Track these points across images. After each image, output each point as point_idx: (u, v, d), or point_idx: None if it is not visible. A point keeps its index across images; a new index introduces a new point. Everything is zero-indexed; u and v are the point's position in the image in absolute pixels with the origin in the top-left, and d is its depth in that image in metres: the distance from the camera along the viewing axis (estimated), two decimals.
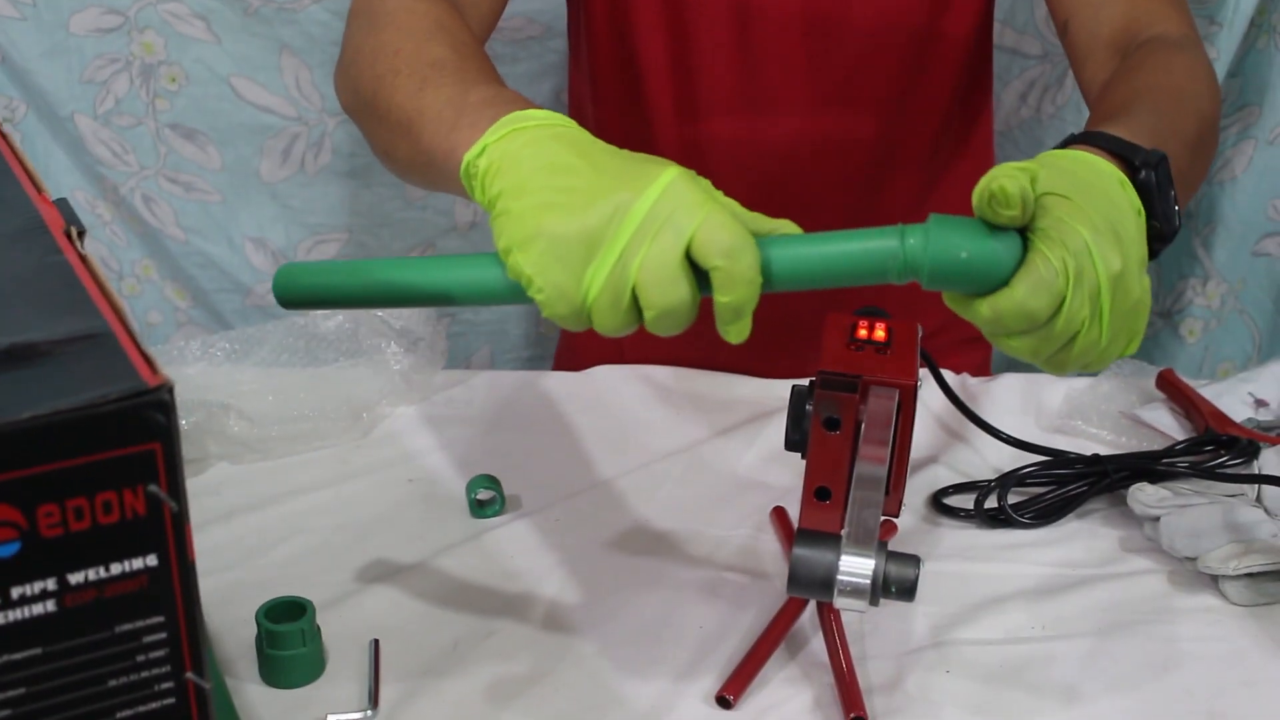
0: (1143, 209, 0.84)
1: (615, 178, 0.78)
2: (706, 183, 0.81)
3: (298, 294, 0.90)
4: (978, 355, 1.54)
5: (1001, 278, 0.78)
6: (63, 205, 0.72)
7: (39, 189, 0.73)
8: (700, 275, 0.79)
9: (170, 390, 0.57)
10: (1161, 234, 0.87)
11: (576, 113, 1.47)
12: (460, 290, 0.86)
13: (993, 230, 0.78)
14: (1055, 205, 0.79)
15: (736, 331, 0.79)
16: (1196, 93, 1.07)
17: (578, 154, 0.81)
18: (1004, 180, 0.76)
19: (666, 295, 0.77)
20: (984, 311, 0.78)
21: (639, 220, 0.77)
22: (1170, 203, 0.87)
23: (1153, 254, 0.86)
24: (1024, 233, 0.79)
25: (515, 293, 0.82)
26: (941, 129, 1.39)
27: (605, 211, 0.77)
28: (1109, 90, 1.09)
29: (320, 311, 1.31)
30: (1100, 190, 0.82)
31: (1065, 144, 0.90)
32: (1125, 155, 0.87)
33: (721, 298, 0.78)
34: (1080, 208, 0.79)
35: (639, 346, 1.44)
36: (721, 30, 1.32)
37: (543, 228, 0.78)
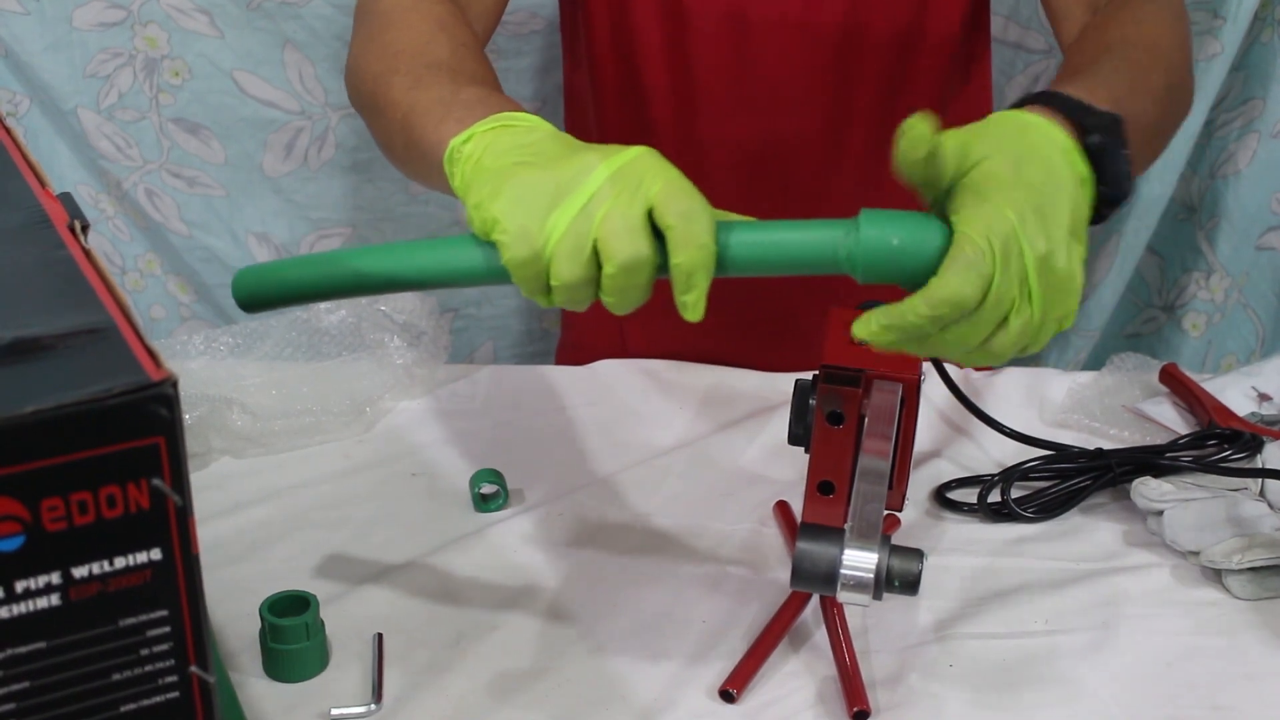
0: (1089, 175, 0.83)
1: (588, 150, 0.81)
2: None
3: (260, 296, 0.89)
4: None
5: (929, 263, 0.78)
6: (66, 199, 0.72)
7: (42, 183, 0.73)
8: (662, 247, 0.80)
9: (174, 384, 0.57)
10: (1110, 199, 0.85)
11: (574, 107, 1.47)
12: (429, 270, 0.85)
13: (920, 219, 0.79)
14: (983, 182, 0.78)
15: (693, 304, 0.79)
16: (1166, 44, 1.07)
17: (555, 140, 0.84)
18: (918, 124, 0.76)
19: (625, 249, 0.78)
20: (919, 307, 0.76)
21: (606, 176, 0.79)
22: (1121, 166, 0.85)
23: (1101, 218, 0.86)
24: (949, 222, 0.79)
25: (486, 266, 0.83)
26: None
27: (575, 167, 0.80)
28: (1079, 44, 1.09)
29: (323, 305, 1.31)
30: (1040, 158, 0.81)
31: (1020, 104, 0.89)
32: (1077, 117, 0.85)
33: (675, 258, 0.78)
34: (1008, 184, 0.78)
35: (642, 340, 1.44)
36: (717, 28, 1.32)
37: (513, 177, 0.81)
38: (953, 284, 0.76)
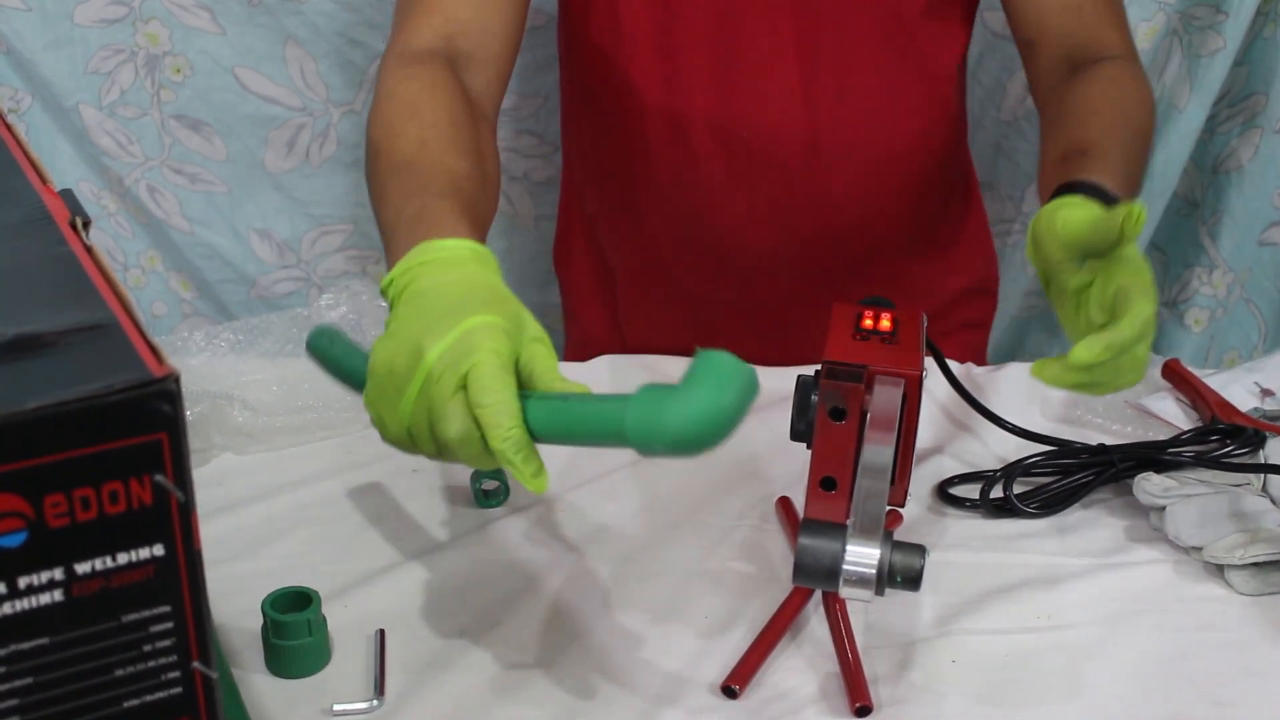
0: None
1: (435, 321, 0.85)
2: (524, 327, 0.87)
3: (320, 356, 1.01)
4: (976, 340, 1.54)
5: (692, 438, 0.78)
6: (68, 196, 0.73)
7: (44, 180, 0.74)
8: None
9: (176, 380, 0.57)
10: None
11: (568, 101, 1.48)
12: None
13: (688, 391, 0.79)
14: (1132, 281, 1.03)
15: (530, 479, 0.82)
16: (1144, 121, 1.26)
17: (433, 295, 0.88)
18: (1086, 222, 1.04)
19: (442, 430, 0.82)
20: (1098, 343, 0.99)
21: (430, 364, 0.83)
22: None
23: None
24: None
25: None
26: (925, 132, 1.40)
27: (409, 355, 0.84)
28: (1079, 120, 1.23)
29: (323, 300, 1.32)
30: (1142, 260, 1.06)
31: (1066, 189, 1.09)
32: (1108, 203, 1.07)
33: (490, 445, 0.81)
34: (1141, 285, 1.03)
35: (641, 335, 1.45)
36: (705, 21, 1.33)
37: (373, 366, 0.87)
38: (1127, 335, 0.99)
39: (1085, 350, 0.98)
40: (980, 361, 1.55)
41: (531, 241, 1.80)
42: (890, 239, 1.42)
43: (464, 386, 0.82)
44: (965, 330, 1.53)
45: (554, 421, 0.82)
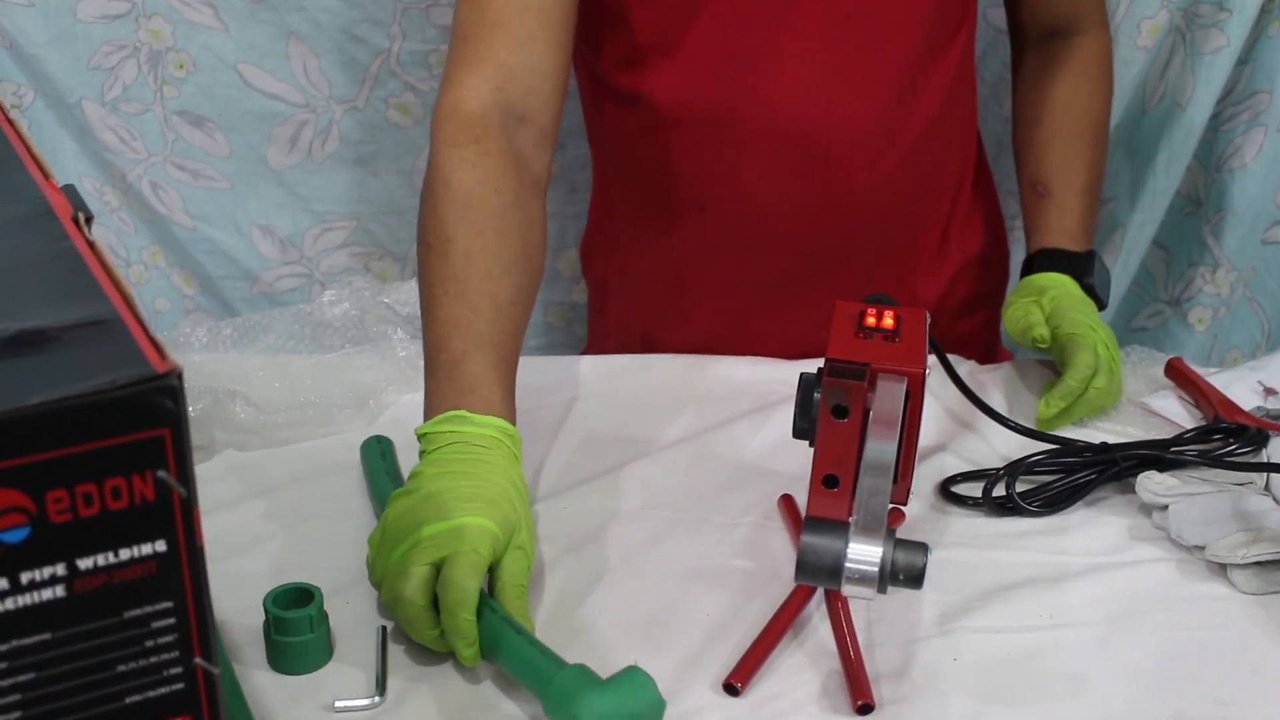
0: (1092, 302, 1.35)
1: (442, 505, 0.97)
2: (514, 534, 0.99)
3: (367, 463, 1.15)
4: (994, 318, 1.56)
5: None
6: (70, 191, 0.72)
7: (46, 175, 0.73)
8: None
9: (179, 376, 0.57)
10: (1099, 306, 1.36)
11: (590, 99, 1.48)
12: None
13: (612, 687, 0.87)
14: (1074, 323, 1.28)
15: (464, 653, 0.92)
16: (1105, 119, 1.49)
17: (452, 476, 1.00)
18: (1038, 330, 1.29)
19: (399, 584, 0.94)
20: (1056, 400, 1.23)
21: (421, 537, 0.96)
22: (1105, 285, 1.39)
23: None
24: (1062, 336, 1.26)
25: None
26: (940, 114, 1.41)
27: (412, 524, 0.97)
28: (1043, 144, 1.47)
29: (326, 296, 1.32)
30: (1089, 309, 1.33)
31: (1036, 260, 1.40)
32: (1078, 274, 1.37)
33: (444, 621, 0.93)
34: (1090, 319, 1.30)
35: (663, 333, 1.45)
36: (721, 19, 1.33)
37: (386, 515, 1.01)
38: (1082, 373, 1.22)
39: (1045, 408, 1.22)
40: (997, 340, 1.55)
41: None
42: (912, 216, 1.44)
43: (438, 567, 0.94)
44: (982, 307, 1.54)
45: (496, 648, 0.91)
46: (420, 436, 1.05)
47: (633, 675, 0.87)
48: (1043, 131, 1.46)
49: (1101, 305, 1.36)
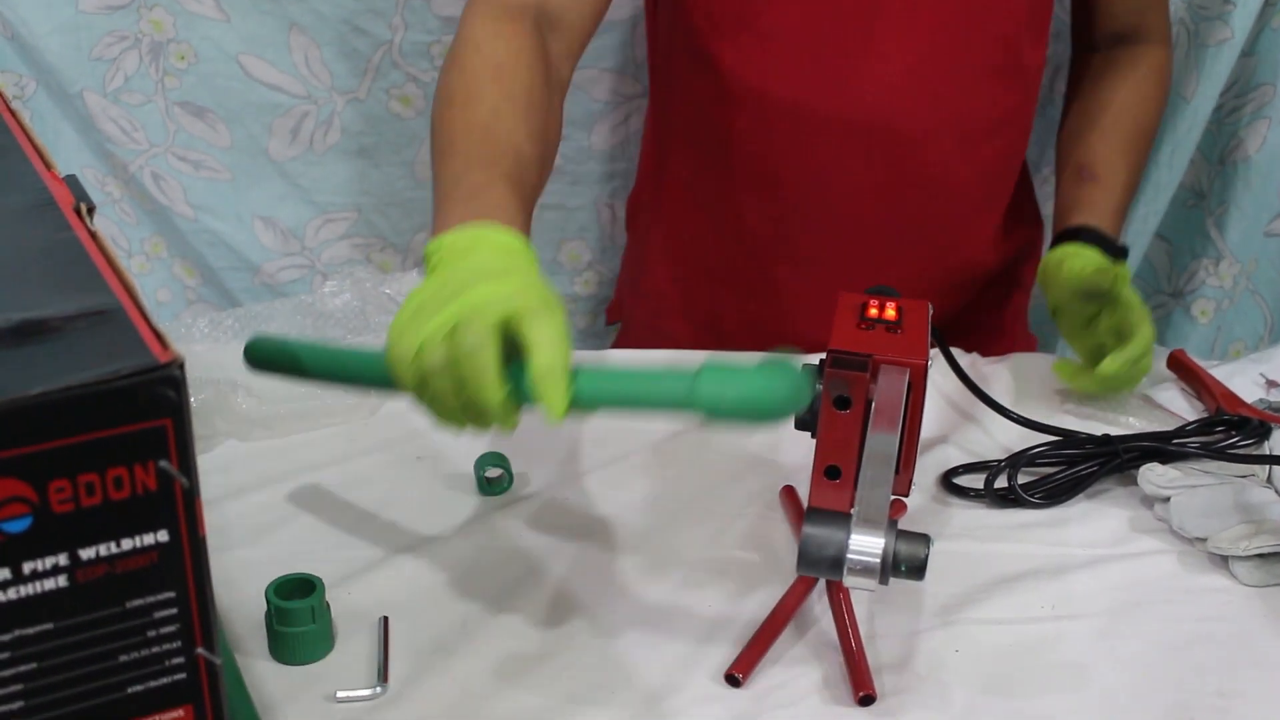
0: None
1: (485, 273, 0.88)
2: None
3: (264, 364, 1.00)
4: (1023, 303, 1.59)
5: (768, 411, 0.84)
6: (72, 182, 0.73)
7: (48, 166, 0.74)
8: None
9: (181, 366, 0.57)
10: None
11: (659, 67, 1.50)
12: (371, 378, 0.93)
13: (763, 372, 0.84)
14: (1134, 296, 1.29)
15: (553, 408, 0.83)
16: (1154, 116, 1.50)
17: (483, 257, 0.91)
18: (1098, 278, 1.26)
19: (460, 341, 0.83)
20: (1120, 362, 1.23)
21: (477, 298, 0.85)
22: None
23: None
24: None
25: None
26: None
27: (458, 284, 0.87)
28: (1097, 133, 1.45)
29: (327, 287, 1.32)
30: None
31: (1066, 235, 1.36)
32: (1108, 249, 1.34)
33: (537, 359, 0.83)
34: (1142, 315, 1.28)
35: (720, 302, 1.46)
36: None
37: (414, 293, 0.88)
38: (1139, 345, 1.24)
39: (1111, 364, 1.22)
40: (1025, 326, 1.56)
41: (535, 231, 1.79)
42: (985, 198, 1.46)
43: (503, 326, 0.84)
44: (1017, 294, 1.56)
45: (613, 386, 0.85)
46: (430, 254, 0.94)
47: (778, 358, 0.86)
48: (1098, 130, 1.46)
49: None
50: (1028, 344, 1.60)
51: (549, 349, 0.83)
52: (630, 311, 1.63)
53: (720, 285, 1.50)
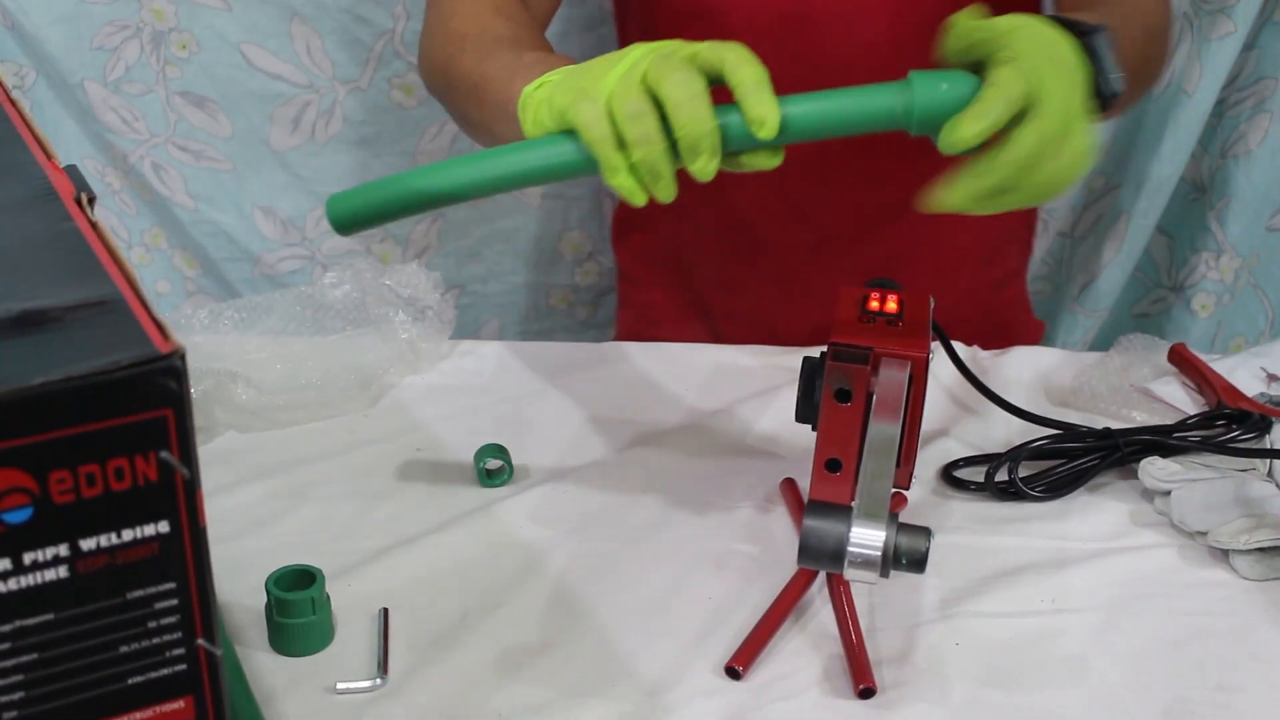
0: (1087, 64, 0.93)
1: (619, 53, 0.92)
2: None
3: (355, 218, 0.96)
4: (1017, 286, 1.56)
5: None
6: (73, 172, 0.72)
7: (49, 156, 0.73)
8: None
9: (182, 357, 0.57)
10: (1101, 92, 0.94)
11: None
12: (513, 172, 0.91)
13: (958, 73, 0.89)
14: (1010, 31, 0.90)
15: (766, 112, 0.85)
16: (1145, 8, 1.22)
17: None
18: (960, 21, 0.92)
19: (673, 72, 0.85)
20: (968, 122, 0.87)
21: (644, 49, 0.90)
22: (1110, 64, 0.94)
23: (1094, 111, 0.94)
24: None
25: (565, 153, 0.90)
26: None
27: (617, 53, 0.92)
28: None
29: (327, 279, 1.31)
30: (1053, 39, 0.92)
31: None
32: (1069, 26, 0.95)
33: (736, 76, 0.86)
34: (1038, 42, 0.91)
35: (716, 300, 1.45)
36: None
37: (573, 76, 0.93)
38: (1004, 81, 0.87)
39: (950, 131, 0.89)
40: (1028, 315, 1.55)
41: (536, 221, 1.79)
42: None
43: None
44: (1013, 280, 1.54)
45: (821, 102, 0.88)
46: (529, 94, 0.96)
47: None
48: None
49: (1103, 92, 0.95)
50: (1034, 333, 1.58)
51: (748, 66, 0.85)
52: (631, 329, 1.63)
53: (710, 282, 1.50)
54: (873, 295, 1.01)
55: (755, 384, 1.26)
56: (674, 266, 1.54)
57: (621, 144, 0.87)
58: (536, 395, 1.25)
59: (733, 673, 0.92)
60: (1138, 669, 0.93)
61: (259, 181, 1.71)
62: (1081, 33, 0.94)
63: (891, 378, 0.94)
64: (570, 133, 0.89)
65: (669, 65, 0.86)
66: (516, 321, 1.84)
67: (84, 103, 1.65)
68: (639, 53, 0.91)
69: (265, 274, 1.75)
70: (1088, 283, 1.77)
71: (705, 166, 0.86)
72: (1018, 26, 0.91)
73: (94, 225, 0.66)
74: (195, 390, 1.16)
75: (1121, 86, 0.95)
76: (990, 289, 1.51)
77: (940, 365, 1.19)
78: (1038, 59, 0.89)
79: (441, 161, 0.93)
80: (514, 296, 1.82)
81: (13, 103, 0.80)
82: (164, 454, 0.58)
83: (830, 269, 1.43)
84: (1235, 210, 1.69)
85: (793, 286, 1.46)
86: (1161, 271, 1.80)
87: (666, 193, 0.88)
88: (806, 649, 0.95)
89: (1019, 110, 0.87)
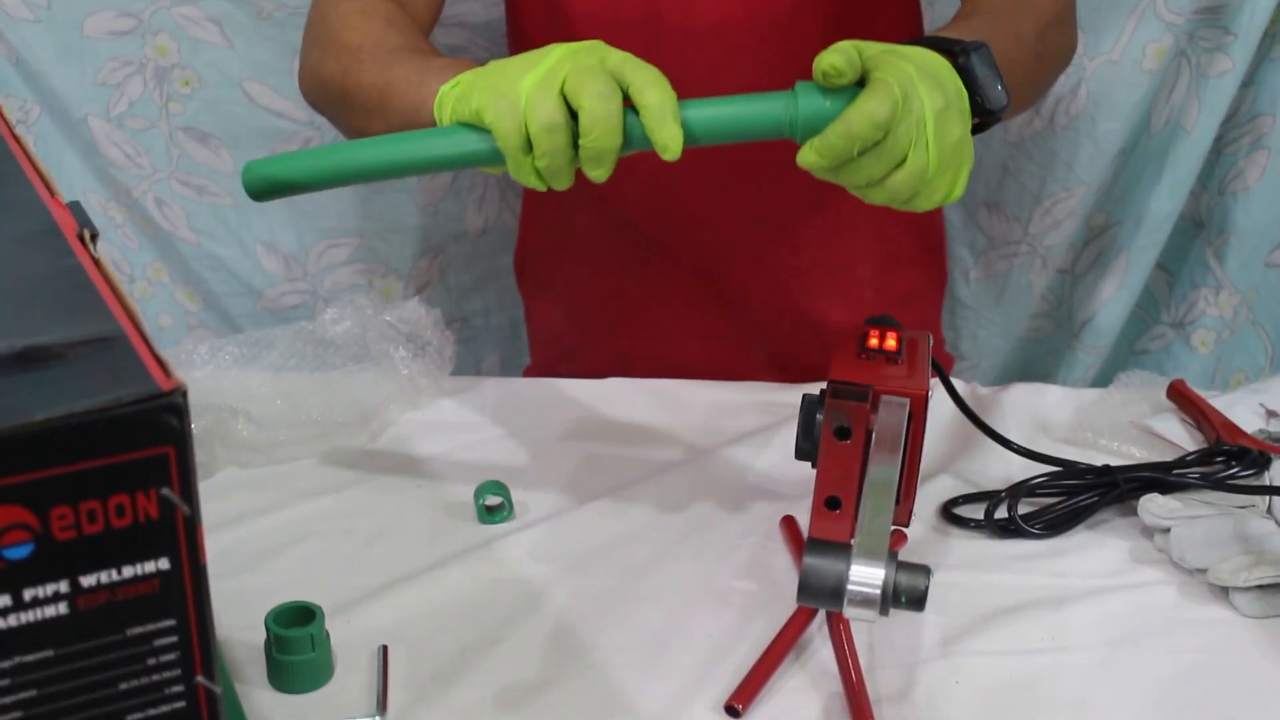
0: (964, 88, 0.96)
1: (536, 55, 0.93)
2: None
3: (270, 185, 1.00)
4: (924, 279, 1.53)
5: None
6: (75, 208, 0.72)
7: (52, 192, 0.73)
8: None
9: (184, 394, 0.57)
10: (985, 109, 0.97)
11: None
12: (424, 157, 0.96)
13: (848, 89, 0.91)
14: (886, 54, 0.93)
15: (671, 140, 0.89)
16: (1035, 4, 1.20)
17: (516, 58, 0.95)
18: (832, 57, 0.90)
19: (591, 83, 0.88)
20: (838, 129, 0.89)
21: (565, 50, 0.92)
22: (991, 81, 0.98)
23: (981, 127, 0.98)
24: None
25: (474, 146, 0.94)
26: None
27: (537, 53, 0.93)
28: (960, 10, 1.23)
29: (328, 314, 1.31)
30: (929, 59, 0.95)
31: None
32: (944, 47, 0.98)
33: (645, 98, 0.89)
34: (907, 56, 0.93)
35: (646, 357, 1.44)
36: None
37: (490, 74, 0.94)
38: (867, 106, 0.88)
39: (801, 157, 0.93)
40: (938, 344, 1.54)
41: (472, 255, 1.79)
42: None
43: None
44: (918, 302, 1.52)
45: (706, 112, 0.92)
46: (446, 92, 0.98)
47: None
48: (963, 9, 1.22)
49: (986, 108, 0.97)
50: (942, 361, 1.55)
51: (656, 89, 0.89)
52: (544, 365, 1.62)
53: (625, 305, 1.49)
54: (872, 332, 1.01)
55: (754, 421, 1.26)
56: (574, 294, 1.53)
57: (530, 148, 0.92)
58: (537, 431, 1.25)
59: (732, 711, 0.92)
60: (1138, 707, 0.93)
61: (261, 217, 1.72)
62: (956, 54, 0.97)
63: (891, 415, 0.94)
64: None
65: (589, 77, 0.89)
66: (517, 356, 1.84)
67: (87, 137, 1.65)
68: (559, 55, 0.92)
69: (267, 308, 1.75)
70: (1088, 319, 1.77)
71: (602, 175, 0.92)
72: (894, 49, 0.94)
73: (96, 261, 0.66)
74: (196, 426, 1.16)
75: (1004, 100, 0.98)
76: (894, 307, 1.48)
77: (939, 401, 1.18)
78: (911, 64, 0.93)
79: (360, 140, 0.98)
80: (515, 330, 1.83)
81: (16, 138, 0.80)
82: (165, 491, 0.58)
83: (727, 281, 1.43)
84: (1234, 246, 1.70)
85: (690, 301, 1.45)
86: (1161, 308, 1.80)
87: (563, 185, 0.93)
88: (806, 687, 0.95)
89: (881, 133, 0.90)
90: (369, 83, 1.11)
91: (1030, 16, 1.18)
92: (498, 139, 0.91)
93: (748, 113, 0.92)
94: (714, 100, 0.92)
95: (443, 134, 0.96)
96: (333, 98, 1.18)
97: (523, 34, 1.39)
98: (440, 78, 1.00)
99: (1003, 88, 0.98)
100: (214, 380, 1.25)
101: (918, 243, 1.50)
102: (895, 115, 0.89)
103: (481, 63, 1.00)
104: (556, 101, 0.90)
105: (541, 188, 0.94)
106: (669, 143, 0.89)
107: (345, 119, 1.18)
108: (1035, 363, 1.85)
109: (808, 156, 0.91)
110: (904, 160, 0.91)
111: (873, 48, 0.94)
